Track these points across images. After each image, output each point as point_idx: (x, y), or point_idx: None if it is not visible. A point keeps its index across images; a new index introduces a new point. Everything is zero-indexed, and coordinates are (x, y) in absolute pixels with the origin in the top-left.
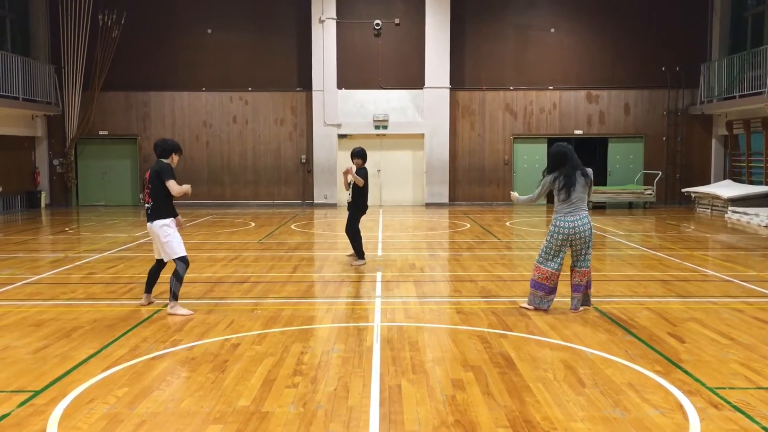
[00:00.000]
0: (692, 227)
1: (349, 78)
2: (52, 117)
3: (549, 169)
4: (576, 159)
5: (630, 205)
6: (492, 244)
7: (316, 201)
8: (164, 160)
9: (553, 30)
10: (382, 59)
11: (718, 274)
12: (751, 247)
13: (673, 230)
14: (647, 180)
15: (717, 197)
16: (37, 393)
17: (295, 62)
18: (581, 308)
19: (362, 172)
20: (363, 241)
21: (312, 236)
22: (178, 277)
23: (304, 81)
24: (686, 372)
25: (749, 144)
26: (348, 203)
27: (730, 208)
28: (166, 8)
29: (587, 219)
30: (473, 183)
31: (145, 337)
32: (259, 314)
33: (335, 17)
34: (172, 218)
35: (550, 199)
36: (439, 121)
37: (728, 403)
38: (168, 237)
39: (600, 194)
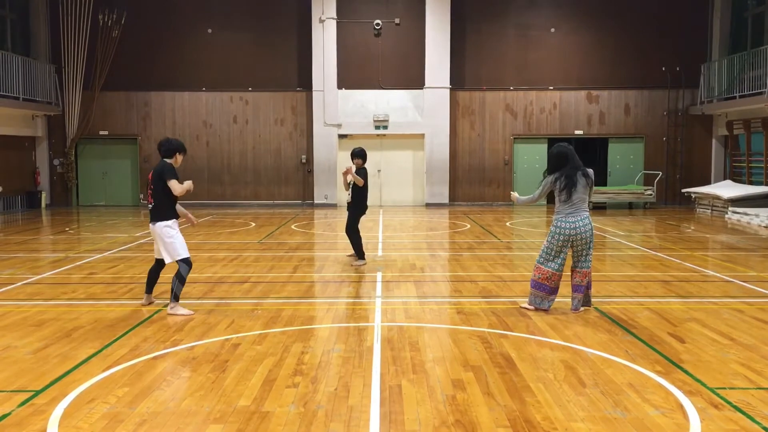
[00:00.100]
0: (692, 227)
1: (349, 78)
2: (53, 117)
3: (550, 170)
4: (577, 159)
5: (630, 206)
6: (492, 244)
7: (316, 201)
8: (168, 160)
9: (553, 30)
10: (383, 59)
11: (718, 275)
12: (752, 247)
13: (674, 230)
14: (647, 180)
15: (717, 197)
16: (37, 393)
17: (296, 62)
18: (582, 308)
19: (362, 172)
20: (363, 241)
21: (312, 236)
22: (180, 279)
23: (304, 81)
24: (687, 372)
25: (749, 144)
26: (348, 203)
27: (730, 208)
28: (167, 8)
29: (588, 220)
30: (473, 183)
31: (145, 337)
32: (259, 314)
33: (335, 17)
34: (175, 219)
35: (550, 199)
36: (439, 121)
37: (729, 403)
38: (171, 238)
39: (600, 194)
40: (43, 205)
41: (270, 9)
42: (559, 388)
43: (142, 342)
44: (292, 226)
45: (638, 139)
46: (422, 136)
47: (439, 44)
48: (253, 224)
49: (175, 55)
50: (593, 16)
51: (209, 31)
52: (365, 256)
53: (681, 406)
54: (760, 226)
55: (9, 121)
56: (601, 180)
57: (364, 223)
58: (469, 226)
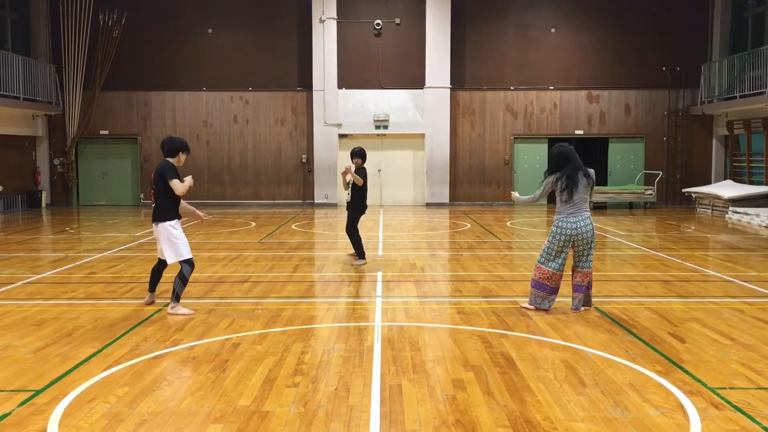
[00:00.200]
0: (693, 227)
1: (349, 78)
2: (53, 116)
3: (551, 170)
4: (578, 159)
5: (630, 206)
6: (492, 244)
7: (316, 201)
8: (171, 159)
9: (553, 30)
10: (383, 59)
11: (718, 275)
12: (752, 247)
13: (674, 230)
14: (648, 180)
15: (717, 197)
16: (37, 392)
17: (296, 62)
18: (582, 308)
19: (361, 171)
20: (363, 241)
21: (312, 236)
22: (183, 279)
23: (304, 81)
24: (687, 372)
25: (750, 144)
26: (347, 203)
27: (730, 208)
28: (167, 8)
29: (589, 220)
30: (474, 183)
31: (145, 337)
32: (259, 314)
33: (336, 17)
34: (177, 219)
35: (550, 199)
36: (439, 121)
37: (729, 403)
38: (175, 239)
39: (600, 194)
40: (43, 204)
41: (270, 9)
42: (559, 387)
43: (142, 342)
44: (293, 226)
45: (638, 139)
46: (422, 135)
47: (439, 44)
48: (254, 224)
49: (176, 55)
50: (593, 16)
51: (209, 30)
52: (365, 256)
53: (681, 406)
54: (760, 226)
55: (9, 120)
56: (602, 180)
57: (364, 222)
58: (469, 225)
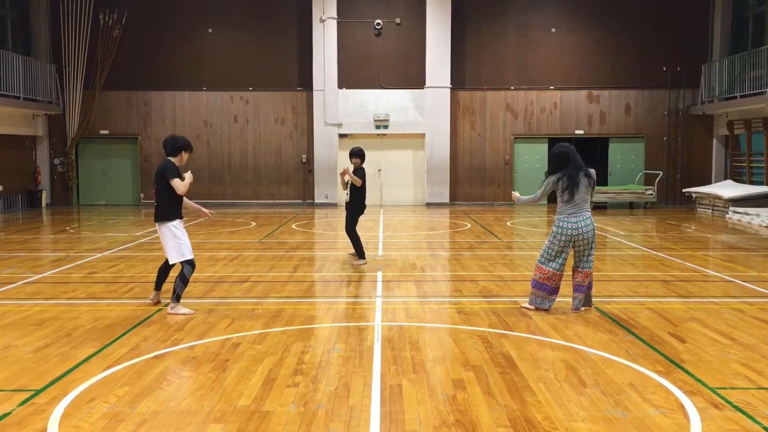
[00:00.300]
0: (693, 227)
1: (349, 78)
2: (53, 116)
3: (552, 170)
4: (579, 159)
5: (631, 205)
6: (493, 243)
7: (316, 200)
8: (172, 158)
9: (553, 30)
10: (383, 59)
11: (719, 275)
12: (752, 247)
13: (674, 230)
14: (648, 180)
15: (718, 197)
16: (37, 392)
17: (296, 62)
18: (582, 308)
19: (360, 172)
20: (363, 241)
21: (313, 236)
22: (183, 280)
23: (304, 80)
24: (687, 372)
25: (750, 144)
26: (346, 203)
27: (731, 208)
28: (167, 8)
29: (590, 220)
30: (474, 183)
31: (145, 337)
32: (259, 314)
33: (336, 17)
34: (180, 219)
35: (551, 199)
36: (439, 120)
37: (729, 403)
38: (177, 239)
39: (601, 194)
40: (43, 204)
41: (270, 8)
42: (559, 387)
43: (142, 341)
44: (293, 226)
45: (639, 138)
46: (423, 135)
47: (439, 44)
48: (254, 224)
49: (176, 55)
50: (594, 15)
51: (210, 30)
52: (365, 256)
53: (681, 406)
54: (760, 226)
55: (10, 120)
56: (602, 180)
57: (364, 222)
58: (469, 225)
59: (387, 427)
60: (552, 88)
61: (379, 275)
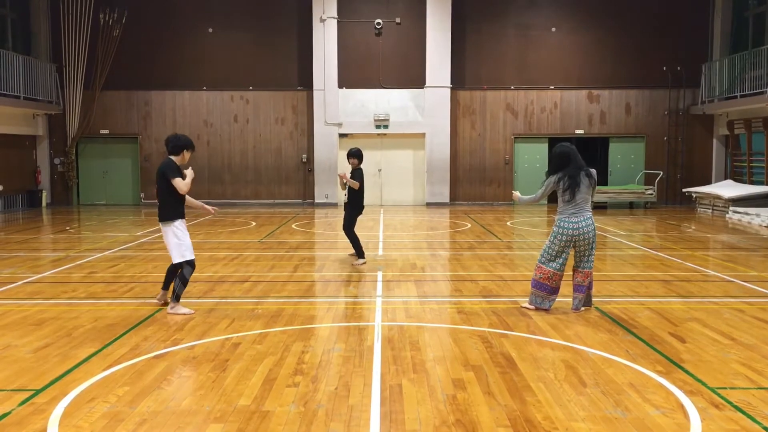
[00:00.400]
0: (693, 227)
1: (350, 77)
2: (53, 116)
3: (552, 170)
4: (580, 159)
5: (631, 205)
6: (493, 243)
7: (316, 200)
8: (174, 157)
9: (554, 29)
10: (383, 58)
11: (719, 275)
12: (752, 247)
13: (674, 230)
14: (648, 180)
15: (718, 197)
16: (37, 392)
17: (296, 61)
18: (582, 308)
19: (358, 172)
20: (363, 240)
21: (313, 236)
22: (183, 280)
23: (305, 80)
24: (687, 372)
25: (750, 144)
26: (344, 204)
27: (731, 208)
28: (167, 7)
29: (591, 220)
30: (474, 183)
31: (145, 336)
32: (259, 313)
33: (336, 16)
34: (182, 219)
35: (551, 199)
36: (439, 120)
37: (729, 403)
38: (178, 240)
39: (601, 194)
40: (43, 204)
41: (271, 8)
42: (559, 387)
43: (142, 341)
44: (293, 226)
45: (639, 138)
46: (423, 135)
47: (439, 44)
48: (254, 223)
49: (176, 55)
50: (594, 15)
51: (210, 30)
52: (365, 255)
53: (682, 406)
54: (760, 225)
55: (10, 120)
56: (602, 179)
57: (364, 222)
58: (469, 225)
59: (387, 426)
60: (552, 87)
61: (379, 275)
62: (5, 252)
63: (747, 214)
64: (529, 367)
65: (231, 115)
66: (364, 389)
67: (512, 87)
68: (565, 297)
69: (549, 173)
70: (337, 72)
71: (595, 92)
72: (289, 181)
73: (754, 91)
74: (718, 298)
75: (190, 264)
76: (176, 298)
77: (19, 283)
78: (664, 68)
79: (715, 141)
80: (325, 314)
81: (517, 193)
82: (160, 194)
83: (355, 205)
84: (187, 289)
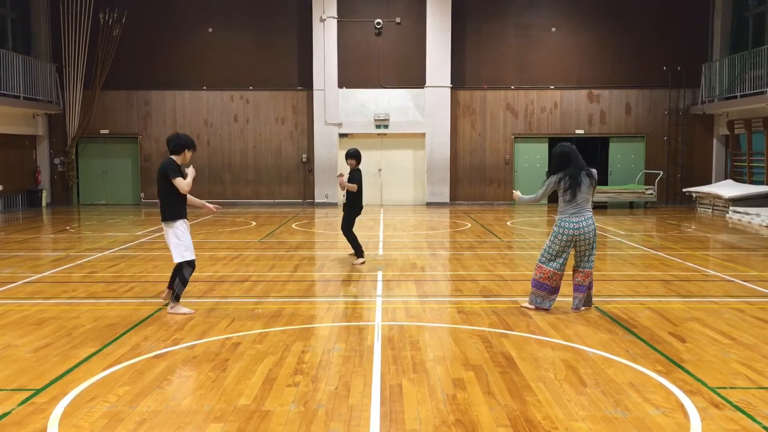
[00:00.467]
0: (693, 227)
1: (350, 77)
2: (53, 116)
3: (553, 170)
4: (580, 159)
5: (631, 205)
6: (493, 243)
7: (317, 200)
8: (175, 157)
9: (554, 29)
10: (383, 58)
11: (719, 274)
12: (752, 247)
13: (674, 230)
14: (648, 180)
15: (718, 197)
16: (37, 391)
17: (296, 61)
18: (582, 308)
19: (356, 173)
20: (362, 240)
21: (313, 235)
22: (183, 280)
23: (305, 80)
24: (687, 372)
25: (750, 144)
26: (343, 204)
27: (731, 208)
28: (167, 7)
29: (591, 220)
30: (474, 182)
31: (145, 336)
32: (260, 313)
33: (336, 16)
34: (183, 219)
35: (551, 198)
36: (440, 120)
37: (729, 402)
38: (179, 240)
39: (601, 194)
40: (43, 203)
41: (271, 8)
42: (559, 387)
43: (142, 341)
44: (293, 225)
45: (639, 138)
46: (423, 135)
47: (439, 43)
48: (254, 223)
49: (176, 54)
50: (594, 15)
51: (210, 30)
52: (364, 255)
53: (682, 406)
54: (761, 225)
55: (10, 119)
56: (602, 179)
57: (365, 222)
58: (469, 225)
59: (387, 426)
60: (552, 87)
61: (380, 275)
62: (5, 252)
63: (747, 213)
64: (529, 367)
65: (231, 115)
66: (364, 389)
67: (512, 87)
68: (565, 297)
69: (549, 173)
70: (337, 72)
71: (595, 92)
72: (289, 180)
73: (754, 91)
74: (718, 297)
75: (190, 264)
76: (176, 297)
77: (19, 282)
78: (664, 68)
79: (715, 141)
80: (325, 314)
81: (517, 193)
82: (161, 194)
83: (353, 205)
84: (187, 288)
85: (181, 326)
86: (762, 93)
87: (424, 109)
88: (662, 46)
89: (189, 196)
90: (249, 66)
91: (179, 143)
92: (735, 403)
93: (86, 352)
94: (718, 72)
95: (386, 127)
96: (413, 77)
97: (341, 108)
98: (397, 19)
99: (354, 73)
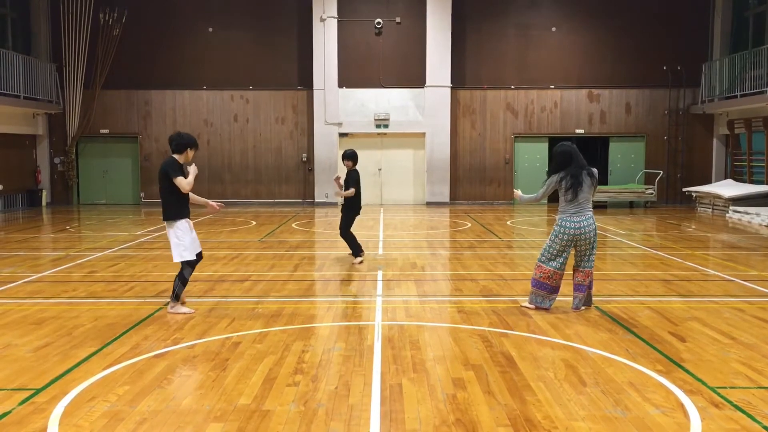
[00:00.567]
0: (693, 227)
1: (350, 77)
2: (54, 115)
3: (554, 169)
4: (582, 159)
5: (631, 205)
6: (493, 243)
7: (316, 200)
8: (177, 156)
9: (554, 29)
10: (383, 58)
11: (719, 274)
12: (752, 246)
13: (674, 230)
14: (648, 179)
15: (718, 197)
16: (38, 391)
17: (296, 61)
18: (582, 307)
19: (353, 174)
20: (364, 240)
21: (313, 235)
22: (182, 280)
23: (305, 79)
24: (687, 371)
25: (750, 143)
26: (342, 205)
27: (731, 207)
28: (167, 6)
29: (592, 219)
30: (474, 182)
31: (146, 336)
32: (260, 313)
33: (336, 16)
34: (185, 219)
35: (551, 198)
36: (440, 120)
37: (729, 402)
38: (178, 239)
39: (601, 193)
40: (43, 203)
41: (271, 8)
42: (559, 387)
43: (142, 340)
44: (293, 225)
45: (639, 138)
46: (423, 134)
47: (439, 43)
48: (254, 223)
49: (176, 54)
50: (594, 15)
51: (210, 29)
52: (363, 251)
53: (682, 405)
54: (761, 225)
55: (10, 119)
56: (602, 179)
57: (365, 221)
58: (469, 224)
59: (387, 426)
60: (552, 87)
61: (380, 274)
62: (5, 251)
63: (747, 213)
64: (529, 367)
65: (231, 115)
66: (364, 388)
67: (512, 86)
68: (565, 296)
69: (550, 172)
70: (337, 71)
71: (595, 92)
72: (289, 180)
73: (754, 91)
74: (718, 297)
75: (190, 264)
76: (176, 297)
77: (19, 282)
78: (664, 68)
79: (715, 140)
80: (325, 313)
81: (518, 192)
82: (163, 193)
83: (352, 206)
84: (186, 288)
85: (181, 326)
86: (762, 92)
87: (424, 108)
88: (662, 46)
89: (192, 195)
90: (249, 66)
91: (182, 142)
92: (735, 403)
93: (86, 351)
94: (718, 72)
95: (386, 126)
96: (413, 77)
97: (341, 108)
98: (397, 19)
99: (354, 73)
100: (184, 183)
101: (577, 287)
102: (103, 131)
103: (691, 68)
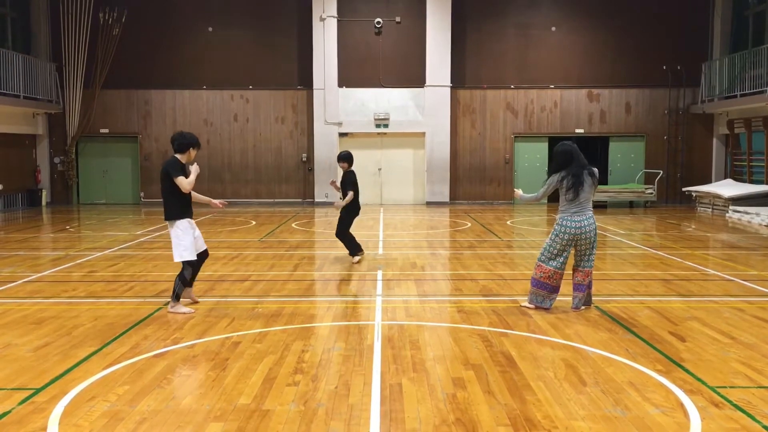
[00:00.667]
0: (693, 226)
1: (350, 76)
2: (53, 115)
3: (554, 169)
4: (582, 158)
5: (631, 204)
6: (493, 242)
7: (316, 199)
8: (179, 155)
9: (554, 29)
10: (383, 58)
11: (719, 273)
12: (752, 246)
13: (674, 229)
14: (648, 179)
15: (718, 196)
16: (37, 391)
17: (296, 60)
18: (582, 307)
19: (350, 176)
20: (363, 240)
21: (313, 235)
22: (183, 280)
23: (305, 79)
24: (687, 371)
25: (750, 143)
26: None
27: (731, 207)
28: (167, 6)
29: (593, 219)
30: (474, 182)
31: (145, 335)
32: (259, 312)
33: (336, 15)
34: (186, 219)
35: (551, 197)
36: (440, 119)
37: (729, 402)
38: (178, 240)
39: (601, 193)
40: (43, 203)
41: (271, 7)
42: (559, 386)
43: (142, 340)
44: (293, 225)
45: (639, 137)
46: (423, 134)
47: (439, 43)
48: (254, 222)
49: (176, 54)
50: (594, 14)
51: (210, 29)
52: (361, 252)
53: (681, 405)
54: (760, 225)
55: (10, 119)
56: (602, 179)
57: (365, 221)
58: (469, 224)
59: (387, 425)
60: (552, 87)
61: (379, 274)
62: (5, 251)
63: (747, 213)
64: (529, 366)
65: (231, 114)
66: (364, 388)
67: (512, 86)
68: (565, 296)
69: (551, 172)
70: (337, 71)
71: (595, 91)
72: (289, 180)
73: (754, 91)
74: (718, 297)
75: (190, 264)
76: (176, 297)
77: (19, 282)
78: (664, 67)
79: (715, 140)
80: (325, 313)
81: (519, 191)
82: (164, 193)
83: (350, 208)
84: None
85: (180, 325)
86: (762, 92)
87: (424, 108)
88: (662, 46)
89: (194, 194)
90: (249, 65)
91: (184, 142)
92: (735, 402)
93: (86, 351)
94: (717, 71)
95: (386, 126)
96: (413, 77)
97: (341, 107)
98: (397, 19)
99: (354, 73)
100: (184, 183)
101: (576, 287)
102: (103, 131)
103: (690, 68)
